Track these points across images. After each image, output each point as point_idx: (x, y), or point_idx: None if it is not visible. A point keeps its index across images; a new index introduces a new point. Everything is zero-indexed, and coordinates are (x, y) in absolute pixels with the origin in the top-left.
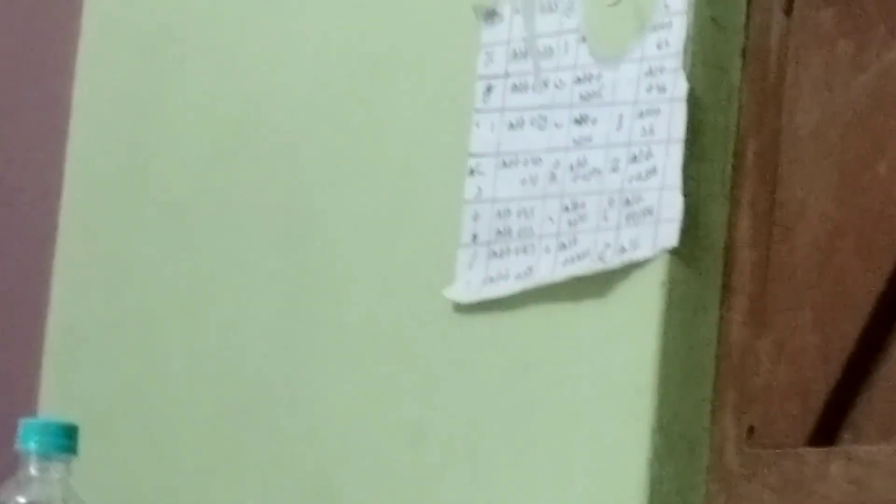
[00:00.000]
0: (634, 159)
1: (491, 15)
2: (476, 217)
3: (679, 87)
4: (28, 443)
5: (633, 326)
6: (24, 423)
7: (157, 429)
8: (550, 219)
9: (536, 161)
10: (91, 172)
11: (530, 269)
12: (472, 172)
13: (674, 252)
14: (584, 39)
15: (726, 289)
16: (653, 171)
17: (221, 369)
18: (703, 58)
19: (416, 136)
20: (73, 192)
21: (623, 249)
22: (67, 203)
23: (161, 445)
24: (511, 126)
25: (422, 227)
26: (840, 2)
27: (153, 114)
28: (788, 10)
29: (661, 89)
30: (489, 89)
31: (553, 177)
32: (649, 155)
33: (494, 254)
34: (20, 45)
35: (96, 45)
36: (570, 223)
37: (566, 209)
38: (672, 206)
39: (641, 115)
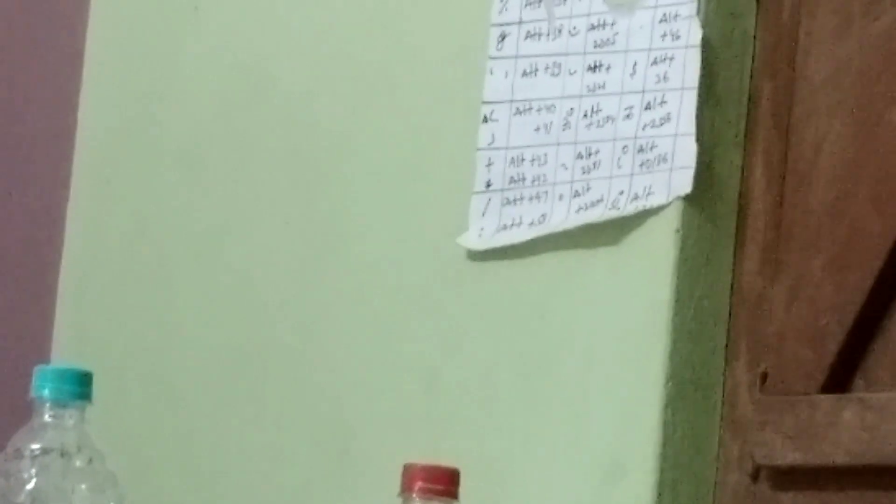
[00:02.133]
0: (648, 106)
1: None
2: (489, 164)
3: (693, 34)
4: (42, 389)
5: (647, 273)
6: (37, 370)
7: (171, 374)
8: (564, 166)
9: (550, 108)
10: (104, 120)
11: (544, 216)
12: (485, 119)
13: (688, 199)
14: None
15: (740, 236)
16: (667, 119)
17: (235, 316)
18: (717, 5)
19: (430, 83)
20: (87, 139)
21: (637, 196)
22: (81, 151)
23: (175, 391)
24: (525, 73)
25: (435, 174)
26: None
27: (167, 61)
28: None
29: (675, 36)
30: (503, 37)
31: (567, 124)
32: (663, 102)
33: (508, 201)
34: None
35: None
36: (583, 170)
37: (580, 156)
38: (686, 154)
39: (655, 62)
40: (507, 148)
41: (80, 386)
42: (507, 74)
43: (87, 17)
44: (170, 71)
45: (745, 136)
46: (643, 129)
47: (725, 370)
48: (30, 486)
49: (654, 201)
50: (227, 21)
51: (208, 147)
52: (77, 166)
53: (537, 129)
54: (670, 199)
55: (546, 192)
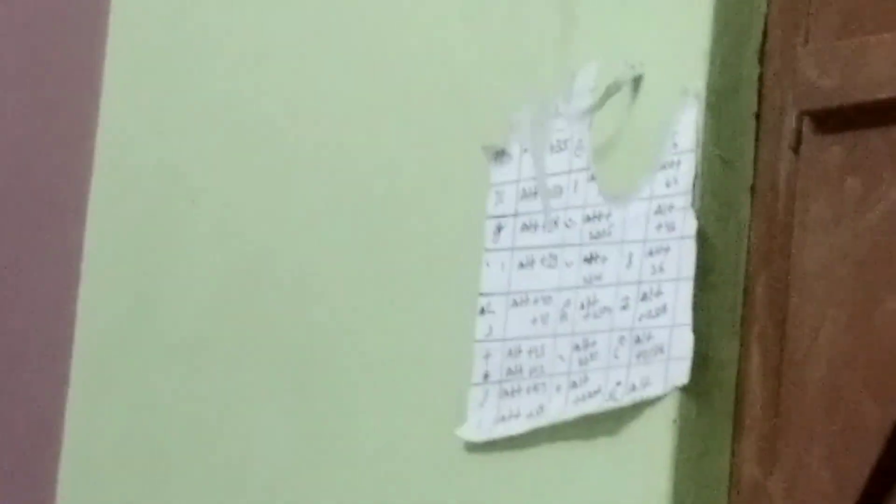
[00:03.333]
0: (644, 297)
1: (500, 155)
2: (487, 356)
3: (688, 224)
4: None
5: (645, 464)
6: None
7: None
8: (561, 357)
9: (547, 300)
10: (101, 316)
11: (542, 407)
12: (482, 311)
13: (685, 389)
14: (593, 178)
15: (737, 426)
16: (663, 309)
17: None
18: (711, 195)
19: (426, 277)
20: (85, 334)
21: (634, 387)
22: (79, 345)
23: None
24: (521, 265)
25: (433, 366)
26: (847, 140)
27: (164, 255)
28: (796, 148)
29: (671, 227)
30: (499, 229)
31: (564, 315)
32: (659, 293)
33: (506, 392)
34: (33, 186)
35: (107, 185)
36: (580, 361)
37: (577, 347)
38: (682, 344)
39: (651, 253)
40: (504, 340)
41: None
42: (503, 266)
43: (86, 215)
44: (167, 264)
45: (742, 324)
46: (640, 319)
47: None
48: None
49: (651, 392)
50: (224, 215)
51: (204, 342)
52: (75, 362)
53: (534, 321)
54: (667, 390)
55: (544, 384)
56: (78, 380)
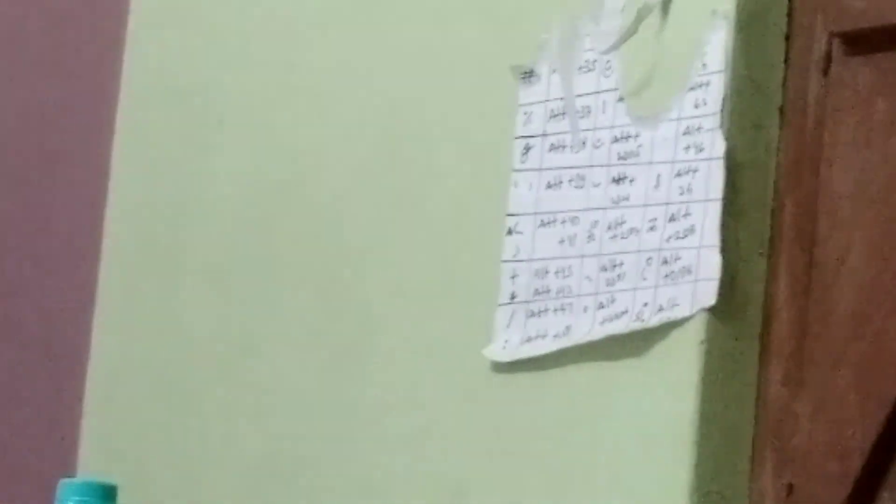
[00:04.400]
0: (672, 218)
1: (529, 75)
2: (514, 276)
3: (717, 146)
4: (67, 502)
5: (672, 385)
6: (62, 484)
7: (195, 488)
8: (588, 278)
9: (574, 220)
10: (130, 232)
11: (568, 328)
12: (510, 232)
13: (712, 311)
14: (621, 99)
15: (764, 348)
16: (691, 231)
17: (259, 431)
18: (740, 117)
19: (454, 197)
20: (113, 252)
21: (661, 308)
22: (107, 262)
23: None
24: (549, 185)
25: (461, 286)
26: (877, 62)
27: (192, 174)
28: (826, 70)
29: (699, 148)
30: (527, 149)
31: (591, 236)
32: (687, 214)
33: (532, 313)
34: (60, 109)
35: (135, 106)
36: (608, 282)
37: (604, 268)
38: (710, 265)
39: (679, 174)
40: (531, 260)
41: (105, 500)
42: (531, 186)
43: (114, 132)
44: (195, 183)
45: (770, 246)
46: (667, 240)
47: (751, 482)
48: None
49: (679, 313)
50: (253, 134)
51: (233, 259)
52: (103, 277)
53: (562, 242)
54: (695, 311)
55: (571, 304)
56: (106, 300)
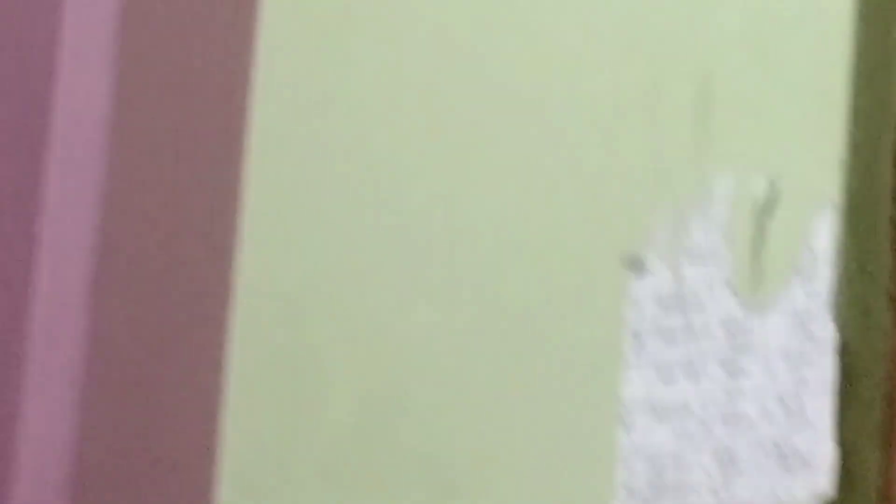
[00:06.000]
0: (787, 409)
1: (639, 266)
2: (631, 470)
3: (828, 334)
4: None
5: None
6: None
7: None
8: (705, 471)
9: (689, 412)
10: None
11: None
12: (624, 424)
13: (829, 501)
14: (731, 289)
15: None
16: (805, 422)
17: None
18: (851, 304)
19: (568, 390)
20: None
21: (779, 500)
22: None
23: None
24: (662, 377)
25: (577, 481)
26: None
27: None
28: None
29: (811, 338)
30: (639, 340)
31: (706, 428)
32: (801, 405)
33: None
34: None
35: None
36: (724, 475)
37: (720, 461)
38: (825, 456)
39: (791, 363)
40: (647, 453)
41: None
42: (644, 379)
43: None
44: (312, 382)
45: (886, 435)
46: (782, 431)
47: None
48: None
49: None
50: (371, 330)
51: (347, 461)
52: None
53: (677, 434)
54: (811, 502)
55: (688, 498)
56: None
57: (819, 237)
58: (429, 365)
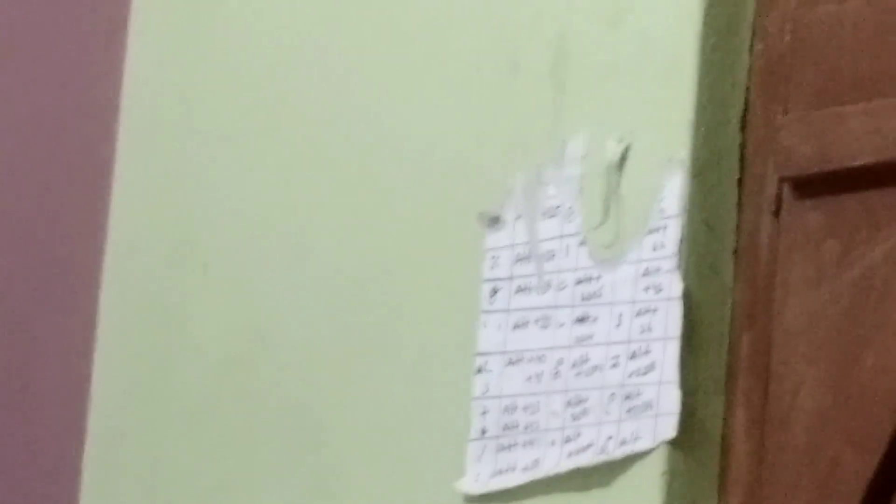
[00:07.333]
0: (633, 356)
1: (495, 221)
2: (484, 412)
3: (674, 286)
4: None
5: None
6: None
7: None
8: (555, 413)
9: (541, 359)
10: (118, 377)
11: (537, 461)
12: (479, 370)
13: (673, 443)
14: (583, 243)
15: (723, 479)
16: (651, 367)
17: None
18: (696, 259)
19: (425, 338)
20: (101, 395)
21: (624, 441)
22: (96, 404)
23: None
24: (516, 326)
25: (432, 423)
26: (825, 205)
27: (176, 319)
28: (777, 213)
29: (658, 289)
30: (495, 291)
31: (557, 373)
32: (647, 351)
33: (502, 447)
34: (47, 254)
35: (122, 254)
36: (573, 417)
37: (569, 404)
38: (670, 400)
39: (639, 313)
40: (500, 397)
41: None
42: (499, 327)
43: (101, 284)
44: (179, 328)
45: (727, 382)
46: (629, 377)
47: None
48: None
49: (641, 446)
50: (234, 279)
51: (213, 404)
52: (92, 421)
53: (529, 379)
54: (656, 444)
55: (538, 439)
56: (94, 437)
57: (668, 195)
58: (292, 314)
